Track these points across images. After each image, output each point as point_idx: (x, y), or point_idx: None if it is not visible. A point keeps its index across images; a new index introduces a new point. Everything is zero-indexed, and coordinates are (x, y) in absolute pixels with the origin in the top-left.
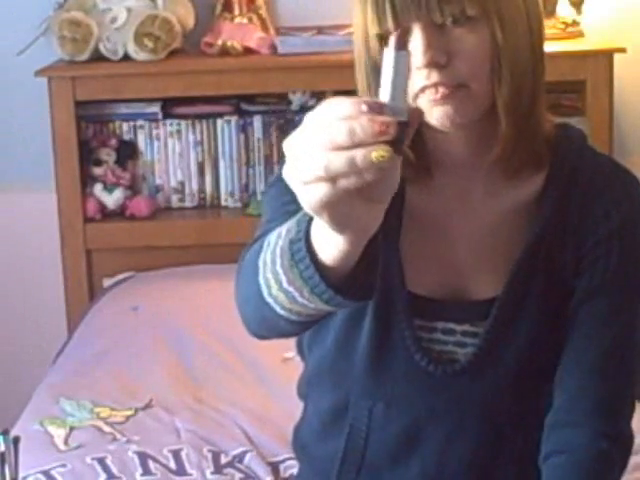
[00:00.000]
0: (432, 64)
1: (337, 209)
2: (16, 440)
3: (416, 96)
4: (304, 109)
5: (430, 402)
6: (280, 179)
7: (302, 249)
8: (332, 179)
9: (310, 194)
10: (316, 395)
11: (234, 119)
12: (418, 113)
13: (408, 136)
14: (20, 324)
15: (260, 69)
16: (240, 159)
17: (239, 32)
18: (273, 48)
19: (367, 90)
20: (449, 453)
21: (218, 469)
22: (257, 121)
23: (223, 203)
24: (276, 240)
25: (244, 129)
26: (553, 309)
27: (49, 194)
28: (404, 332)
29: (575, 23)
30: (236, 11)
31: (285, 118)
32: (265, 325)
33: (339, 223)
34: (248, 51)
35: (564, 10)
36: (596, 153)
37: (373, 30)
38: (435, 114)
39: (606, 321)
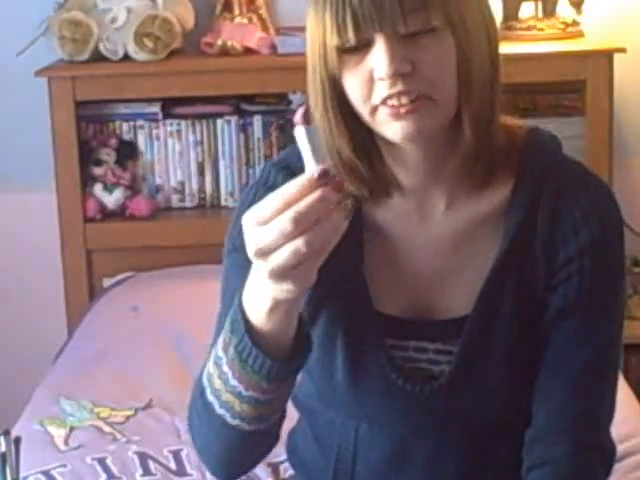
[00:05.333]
0: (397, 74)
1: (303, 266)
2: (17, 441)
3: (375, 108)
4: None
5: (411, 421)
6: (235, 248)
7: (247, 344)
8: (299, 235)
9: (281, 257)
10: (309, 410)
11: (234, 119)
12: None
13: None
14: (20, 324)
15: (260, 69)
16: (240, 159)
17: (239, 32)
18: (273, 48)
19: (322, 102)
20: (436, 471)
21: None
22: (257, 121)
23: (223, 203)
24: (218, 363)
25: (244, 129)
26: (527, 324)
27: (49, 194)
28: (377, 353)
29: (575, 23)
30: (236, 11)
31: (285, 118)
32: (235, 458)
33: (298, 280)
34: (248, 51)
35: (564, 10)
36: (566, 161)
37: (332, 41)
38: (395, 129)
39: (582, 339)
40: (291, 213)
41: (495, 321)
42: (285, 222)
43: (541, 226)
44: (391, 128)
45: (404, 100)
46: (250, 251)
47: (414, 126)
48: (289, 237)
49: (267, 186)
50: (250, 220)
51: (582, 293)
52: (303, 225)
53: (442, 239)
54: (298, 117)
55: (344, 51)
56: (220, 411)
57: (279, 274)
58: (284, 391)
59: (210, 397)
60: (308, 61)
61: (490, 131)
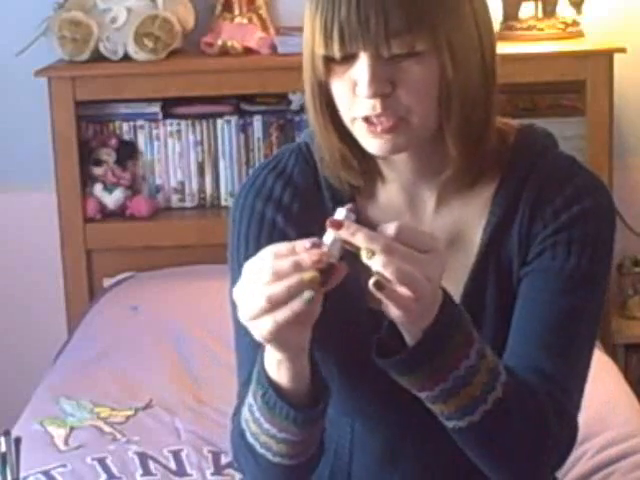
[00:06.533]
0: (376, 95)
1: (280, 335)
2: (17, 441)
3: (354, 119)
4: (304, 109)
5: (405, 416)
6: (240, 268)
7: (272, 395)
8: (273, 310)
9: (259, 327)
10: None
11: (234, 119)
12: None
13: (333, 277)
14: (20, 324)
15: (260, 69)
16: (240, 159)
17: (239, 32)
18: (273, 48)
19: (312, 103)
20: (431, 464)
21: (218, 470)
22: (257, 121)
23: (223, 203)
24: (250, 410)
25: (244, 129)
26: (509, 315)
27: (49, 194)
28: (369, 349)
29: (575, 23)
30: (236, 11)
31: (285, 118)
32: None
33: (282, 345)
34: (248, 51)
35: (564, 10)
36: (557, 156)
37: (319, 51)
38: (370, 144)
39: (549, 301)
40: (265, 291)
41: (481, 314)
42: (260, 298)
43: (520, 219)
44: (368, 143)
45: (380, 124)
46: (241, 314)
47: (389, 145)
48: (265, 311)
49: (255, 192)
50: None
51: (555, 262)
52: (275, 302)
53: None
54: (329, 223)
55: (331, 60)
56: (261, 451)
57: (264, 339)
58: (317, 429)
59: (250, 439)
60: (303, 62)
61: (482, 143)
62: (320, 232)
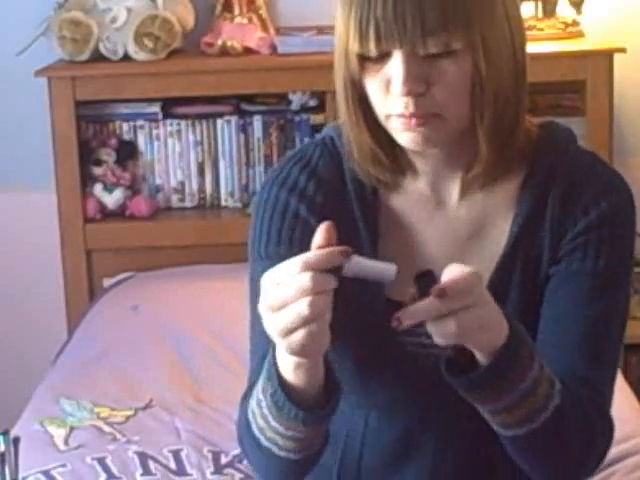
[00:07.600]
0: (411, 93)
1: (308, 347)
2: (16, 440)
3: (388, 116)
4: (304, 109)
5: (421, 408)
6: (261, 257)
7: (281, 396)
8: (307, 325)
9: (291, 342)
10: None
11: (234, 119)
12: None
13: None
14: (20, 324)
15: (260, 69)
16: (240, 159)
17: (239, 32)
18: (273, 48)
19: (345, 100)
20: (445, 457)
21: (218, 469)
22: (257, 121)
23: (223, 203)
24: (259, 405)
25: (244, 129)
26: (534, 307)
27: (49, 194)
28: (388, 340)
29: (575, 23)
30: (236, 11)
31: (285, 118)
32: (292, 477)
33: (307, 353)
34: (248, 51)
35: (564, 10)
36: (579, 152)
37: (354, 48)
38: (404, 138)
39: (581, 305)
40: (306, 300)
41: (503, 305)
42: (303, 307)
43: (550, 214)
44: (401, 137)
45: (414, 119)
46: (271, 332)
47: (423, 138)
48: (307, 321)
49: (280, 182)
50: (269, 280)
51: (586, 264)
52: (318, 310)
53: (456, 227)
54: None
55: (365, 58)
56: (266, 444)
57: (296, 352)
58: (325, 426)
59: (256, 432)
60: (334, 59)
61: (511, 140)
62: (342, 224)
